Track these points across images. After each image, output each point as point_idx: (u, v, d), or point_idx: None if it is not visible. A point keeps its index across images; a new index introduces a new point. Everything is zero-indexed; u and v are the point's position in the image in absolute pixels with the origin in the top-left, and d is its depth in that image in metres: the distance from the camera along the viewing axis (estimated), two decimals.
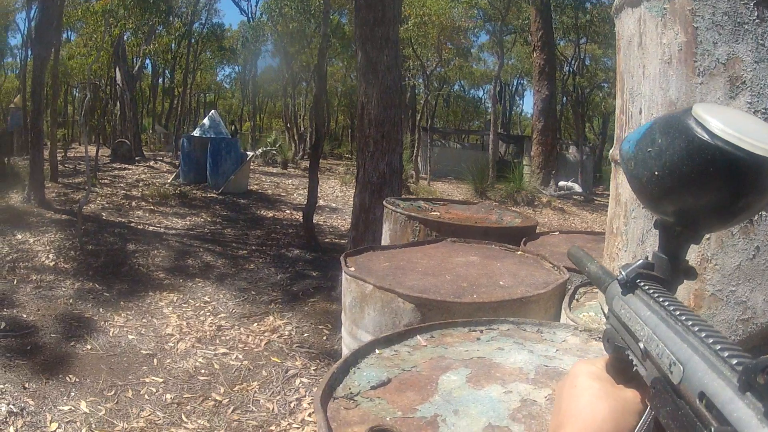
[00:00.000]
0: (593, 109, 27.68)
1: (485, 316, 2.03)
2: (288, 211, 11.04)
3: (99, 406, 3.69)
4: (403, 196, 5.86)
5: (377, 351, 1.61)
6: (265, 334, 5.04)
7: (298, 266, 7.25)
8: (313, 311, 5.68)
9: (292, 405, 3.89)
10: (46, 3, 9.47)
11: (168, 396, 3.89)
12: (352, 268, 2.56)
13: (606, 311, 0.65)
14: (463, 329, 1.80)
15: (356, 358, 1.55)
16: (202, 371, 4.29)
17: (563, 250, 3.22)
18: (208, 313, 5.46)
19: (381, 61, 5.79)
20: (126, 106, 18.12)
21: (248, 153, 14.01)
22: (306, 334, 5.12)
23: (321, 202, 10.90)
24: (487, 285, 2.45)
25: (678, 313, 0.52)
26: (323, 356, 4.65)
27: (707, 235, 1.63)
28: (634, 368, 0.58)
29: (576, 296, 2.38)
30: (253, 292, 6.14)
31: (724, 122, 0.53)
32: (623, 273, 0.62)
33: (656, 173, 0.58)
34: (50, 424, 3.45)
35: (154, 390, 3.97)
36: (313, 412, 3.52)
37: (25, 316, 5.08)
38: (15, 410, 3.54)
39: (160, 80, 29.24)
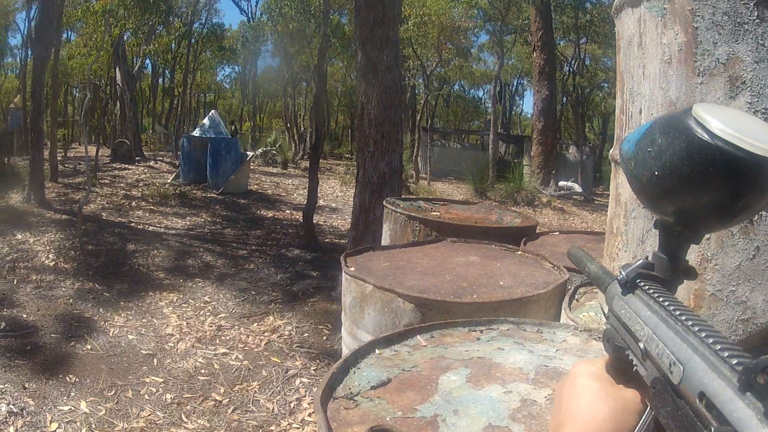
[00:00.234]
0: (593, 109, 27.70)
1: (485, 316, 2.03)
2: (288, 211, 11.04)
3: (99, 406, 3.69)
4: (403, 196, 5.86)
5: (377, 351, 1.61)
6: (265, 334, 5.04)
7: (298, 266, 7.25)
8: (313, 311, 5.68)
9: (292, 405, 3.89)
10: (46, 3, 9.47)
11: (168, 396, 3.89)
12: (352, 268, 2.56)
13: (606, 311, 0.65)
14: (463, 329, 1.80)
15: (356, 358, 1.55)
16: (202, 371, 4.29)
17: (563, 250, 3.22)
18: (208, 313, 5.46)
19: (381, 61, 5.78)
20: (126, 106, 18.12)
21: (248, 153, 14.01)
22: (306, 334, 5.12)
23: (321, 202, 10.90)
24: (487, 285, 2.45)
25: (678, 313, 0.52)
26: (323, 356, 4.65)
27: (707, 235, 1.63)
28: (634, 368, 0.58)
29: (576, 296, 2.38)
30: (253, 292, 6.14)
31: (724, 122, 0.53)
32: (623, 273, 0.62)
33: (656, 173, 0.58)
34: (50, 424, 3.45)
35: (154, 390, 3.97)
36: (313, 412, 3.52)
37: (25, 316, 5.08)
38: (15, 410, 3.54)
39: (160, 80, 29.24)
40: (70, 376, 4.09)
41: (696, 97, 1.67)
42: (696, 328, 0.49)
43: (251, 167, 13.94)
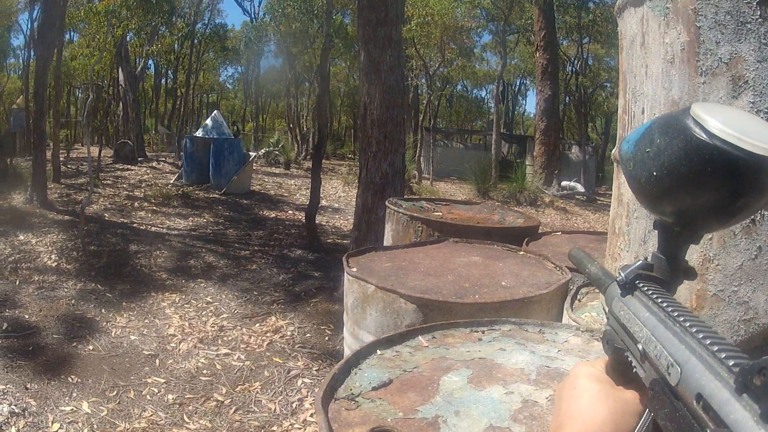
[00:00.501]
0: (596, 109, 27.67)
1: (487, 316, 2.03)
2: (290, 212, 11.04)
3: (101, 407, 3.69)
4: (405, 197, 5.86)
5: (379, 352, 1.61)
6: (267, 334, 5.04)
7: (300, 267, 7.25)
8: (316, 312, 5.68)
9: (294, 405, 3.89)
10: (48, 4, 9.49)
11: (170, 396, 3.90)
12: (354, 269, 2.56)
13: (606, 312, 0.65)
14: (464, 330, 1.79)
15: (358, 358, 1.55)
16: (204, 372, 4.29)
17: (566, 250, 3.21)
18: (211, 314, 5.47)
19: (384, 61, 5.78)
20: (129, 107, 18.14)
21: (251, 153, 14.01)
22: (308, 335, 5.12)
23: (323, 203, 10.90)
24: (489, 285, 2.45)
25: (676, 314, 0.52)
26: (325, 356, 4.65)
27: (709, 235, 1.63)
28: (634, 370, 0.57)
29: (578, 296, 2.38)
30: (255, 293, 6.15)
31: (722, 121, 0.52)
32: (622, 274, 0.61)
33: (654, 174, 0.57)
34: (52, 424, 3.45)
35: (156, 390, 3.97)
36: (315, 413, 3.52)
37: (27, 316, 5.09)
38: (17, 411, 3.54)
39: (163, 81, 29.26)
40: (72, 376, 4.09)
41: (699, 96, 1.66)
42: (694, 329, 0.49)
43: (254, 168, 13.95)
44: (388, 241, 4.00)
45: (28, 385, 3.90)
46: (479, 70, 30.02)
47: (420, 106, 23.93)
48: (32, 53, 15.45)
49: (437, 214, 4.28)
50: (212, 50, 28.85)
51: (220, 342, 4.84)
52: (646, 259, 0.63)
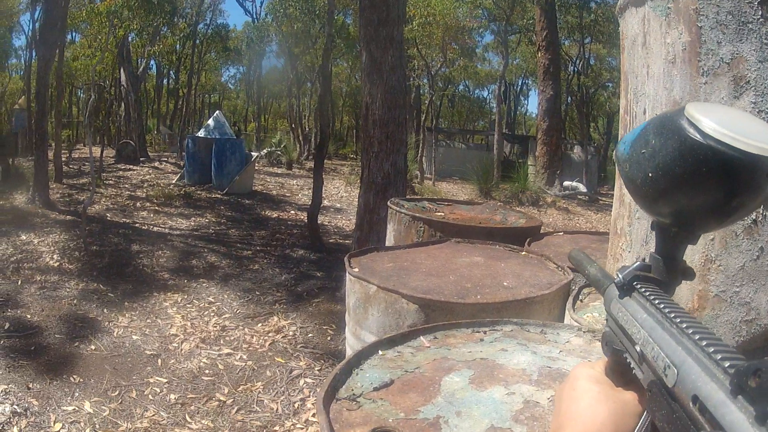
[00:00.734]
0: (598, 109, 27.67)
1: (489, 316, 2.03)
2: (292, 212, 11.05)
3: (103, 407, 3.70)
4: (407, 197, 5.85)
5: (380, 352, 1.61)
6: (270, 334, 5.05)
7: (302, 267, 7.26)
8: (318, 312, 5.68)
9: (296, 405, 3.89)
10: (50, 4, 9.49)
11: (172, 396, 3.90)
12: (356, 269, 2.56)
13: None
14: (466, 330, 1.80)
15: (359, 359, 1.55)
16: (206, 371, 4.29)
17: (568, 250, 3.21)
18: (213, 314, 5.47)
19: (385, 61, 5.78)
20: (130, 107, 18.16)
21: (253, 154, 14.02)
22: (310, 335, 5.12)
23: (325, 203, 10.91)
24: (491, 286, 2.45)
25: (673, 315, 0.52)
26: (327, 356, 4.65)
27: (711, 236, 1.62)
28: (633, 371, 0.57)
29: (580, 297, 2.38)
30: (257, 293, 6.15)
31: (717, 121, 0.52)
32: (620, 276, 0.62)
33: (650, 174, 0.57)
34: (54, 424, 3.46)
35: (158, 390, 3.98)
36: (316, 413, 3.52)
37: (29, 316, 5.10)
38: (19, 410, 3.55)
39: (165, 81, 29.27)
40: (74, 376, 4.10)
41: (700, 96, 1.66)
42: (690, 331, 0.49)
43: (256, 168, 13.96)
44: (390, 241, 4.00)
45: (30, 385, 3.90)
46: (481, 71, 29.99)
47: (422, 106, 23.91)
48: (34, 54, 15.44)
49: (439, 214, 4.28)
50: (214, 50, 28.81)
51: (222, 342, 4.84)
52: (643, 260, 0.63)
